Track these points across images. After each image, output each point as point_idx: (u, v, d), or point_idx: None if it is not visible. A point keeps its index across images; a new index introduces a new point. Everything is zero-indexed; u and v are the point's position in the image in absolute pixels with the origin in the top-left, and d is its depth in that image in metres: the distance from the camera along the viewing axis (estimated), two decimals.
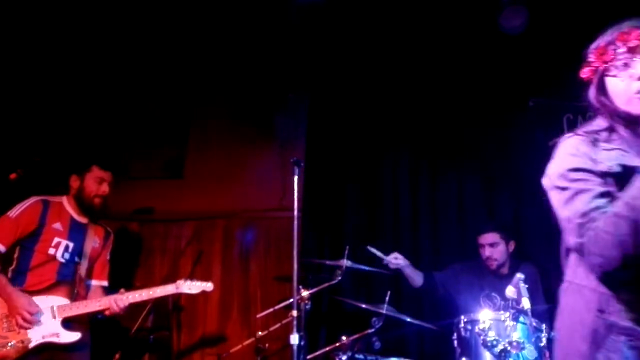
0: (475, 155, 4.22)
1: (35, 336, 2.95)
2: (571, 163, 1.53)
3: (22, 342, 2.91)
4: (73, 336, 3.04)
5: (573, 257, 1.59)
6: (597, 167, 1.49)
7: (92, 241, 3.31)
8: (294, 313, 3.07)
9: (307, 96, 4.56)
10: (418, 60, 4.31)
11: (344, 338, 3.25)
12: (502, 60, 4.18)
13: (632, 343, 1.45)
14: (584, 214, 1.44)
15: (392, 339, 3.52)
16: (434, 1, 4.12)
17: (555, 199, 1.56)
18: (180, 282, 3.29)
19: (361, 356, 3.20)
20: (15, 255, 3.10)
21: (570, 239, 1.50)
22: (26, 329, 2.93)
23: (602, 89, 1.59)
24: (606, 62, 1.55)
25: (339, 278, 3.40)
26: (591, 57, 1.60)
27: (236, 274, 4.41)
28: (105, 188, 3.30)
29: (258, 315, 3.70)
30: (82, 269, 3.23)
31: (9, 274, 3.07)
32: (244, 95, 4.72)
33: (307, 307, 3.25)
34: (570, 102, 3.82)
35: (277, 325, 3.53)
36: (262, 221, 4.48)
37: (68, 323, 3.06)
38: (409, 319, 3.34)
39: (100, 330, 3.42)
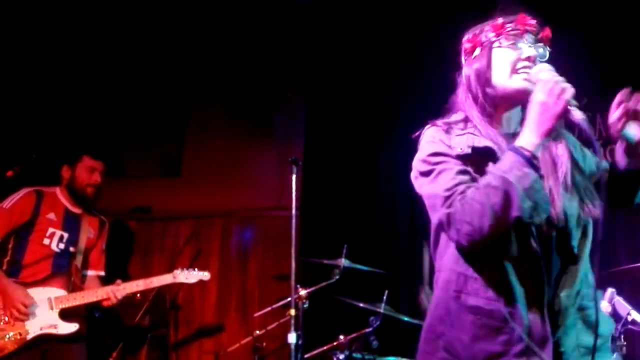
0: None
1: (33, 328, 2.96)
2: (431, 149, 1.61)
3: (20, 334, 2.91)
4: (71, 327, 3.05)
5: (442, 243, 1.62)
6: (452, 151, 1.57)
7: (87, 232, 3.30)
8: (292, 312, 3.09)
9: (305, 95, 4.55)
10: (417, 58, 4.30)
11: (341, 337, 3.24)
12: None
13: (480, 321, 1.48)
14: (449, 188, 1.50)
15: (390, 338, 3.51)
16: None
17: (420, 184, 1.61)
18: (177, 272, 3.36)
19: (359, 355, 3.20)
20: (10, 246, 3.10)
21: (436, 214, 1.53)
22: (21, 321, 2.93)
23: (488, 61, 1.63)
24: (499, 36, 1.61)
25: (337, 277, 3.41)
26: (485, 28, 1.65)
27: (234, 272, 4.41)
28: (96, 177, 3.29)
29: (256, 314, 3.70)
30: (78, 260, 3.22)
31: (4, 266, 3.07)
32: (241, 93, 4.71)
33: (305, 306, 3.25)
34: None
35: (275, 324, 3.54)
36: (260, 220, 4.48)
37: (65, 314, 3.05)
38: (406, 318, 3.34)
39: (98, 329, 3.41)
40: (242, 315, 4.32)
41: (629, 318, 2.73)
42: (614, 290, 2.77)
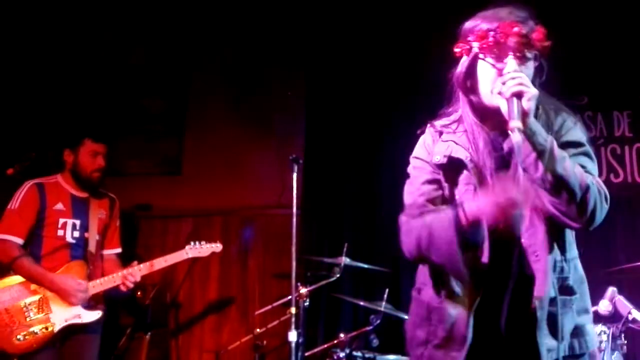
0: None
1: (59, 320, 2.97)
2: (415, 153, 1.76)
3: (47, 327, 2.93)
4: (94, 315, 3.07)
5: None
6: (431, 158, 1.68)
7: (98, 213, 3.27)
8: (292, 310, 3.09)
9: (305, 93, 4.54)
10: (418, 54, 4.29)
11: (342, 335, 3.25)
12: None
13: (417, 309, 1.71)
14: (411, 199, 1.71)
15: (390, 336, 3.52)
16: None
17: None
18: (188, 247, 3.34)
19: (359, 353, 3.20)
20: (26, 242, 3.09)
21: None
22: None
23: (471, 70, 1.59)
24: (484, 46, 1.54)
25: (338, 275, 3.41)
26: (470, 37, 1.58)
27: (235, 271, 4.41)
28: (100, 161, 3.24)
29: (256, 312, 3.71)
30: (92, 245, 3.20)
31: None
32: (242, 91, 4.70)
33: (306, 304, 3.26)
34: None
35: (276, 322, 3.54)
36: (260, 218, 4.48)
37: (86, 303, 3.06)
38: (406, 317, 3.34)
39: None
40: (243, 313, 4.32)
41: (630, 317, 2.73)
42: (614, 289, 2.77)
